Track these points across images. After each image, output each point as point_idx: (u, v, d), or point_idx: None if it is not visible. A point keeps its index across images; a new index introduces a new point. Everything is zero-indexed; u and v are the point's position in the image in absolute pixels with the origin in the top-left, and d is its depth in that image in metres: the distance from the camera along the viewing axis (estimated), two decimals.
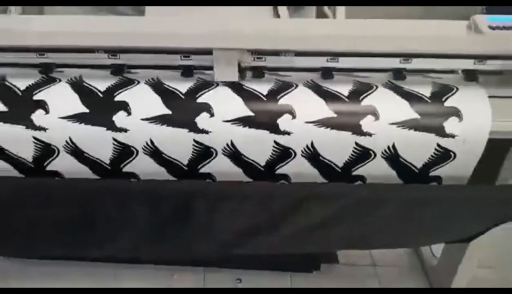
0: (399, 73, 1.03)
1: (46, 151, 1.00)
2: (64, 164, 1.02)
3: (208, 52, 0.97)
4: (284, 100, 0.99)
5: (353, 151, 0.99)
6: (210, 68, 1.01)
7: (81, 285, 1.50)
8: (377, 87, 1.01)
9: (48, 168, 1.03)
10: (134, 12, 1.78)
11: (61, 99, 0.99)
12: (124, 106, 0.98)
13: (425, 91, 1.00)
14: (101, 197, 1.02)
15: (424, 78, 1.05)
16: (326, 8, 1.90)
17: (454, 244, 1.38)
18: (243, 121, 0.97)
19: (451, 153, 1.00)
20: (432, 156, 1.00)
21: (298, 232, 1.10)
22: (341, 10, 1.93)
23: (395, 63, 1.02)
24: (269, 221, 1.08)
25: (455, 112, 0.97)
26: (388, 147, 0.99)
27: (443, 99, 0.99)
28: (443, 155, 1.00)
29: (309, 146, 0.99)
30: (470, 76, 1.03)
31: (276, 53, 1.01)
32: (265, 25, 1.05)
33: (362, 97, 0.99)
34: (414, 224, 1.11)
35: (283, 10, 1.83)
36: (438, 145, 0.98)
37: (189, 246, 1.17)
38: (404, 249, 1.70)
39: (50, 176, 1.04)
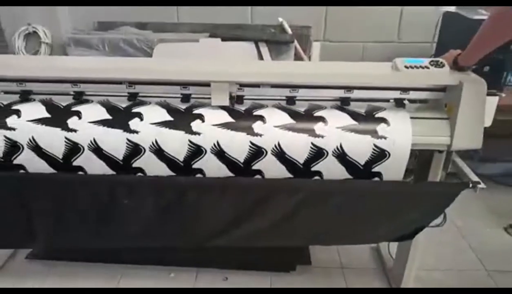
0: (344, 101, 1.37)
1: (74, 148, 1.30)
2: (85, 159, 1.32)
3: (207, 84, 1.31)
4: (257, 112, 1.31)
5: (310, 150, 1.30)
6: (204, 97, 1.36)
7: (91, 284, 1.75)
8: (326, 107, 1.35)
9: (74, 163, 1.33)
10: (143, 54, 2.17)
11: (92, 111, 1.31)
12: (138, 115, 1.30)
13: (361, 109, 1.34)
14: (116, 189, 1.31)
15: (362, 103, 1.39)
16: (302, 53, 2.29)
17: (404, 246, 1.66)
18: (226, 126, 1.28)
19: (386, 153, 1.30)
20: (372, 154, 1.30)
21: (269, 225, 1.39)
22: (315, 54, 2.33)
23: (341, 93, 1.36)
24: (245, 212, 1.36)
25: (384, 120, 1.30)
26: (337, 147, 1.30)
27: (374, 113, 1.32)
28: (380, 154, 1.30)
29: (277, 145, 1.29)
30: (398, 103, 1.38)
31: (256, 85, 1.35)
32: (248, 66, 1.40)
33: (314, 112, 1.32)
34: (361, 216, 1.40)
35: (265, 54, 2.23)
36: (375, 145, 1.29)
37: (184, 232, 1.44)
38: (368, 253, 1.97)
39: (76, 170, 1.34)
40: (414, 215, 1.44)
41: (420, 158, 1.50)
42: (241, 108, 1.35)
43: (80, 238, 1.50)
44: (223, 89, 1.31)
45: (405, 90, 1.35)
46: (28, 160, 1.33)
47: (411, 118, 1.32)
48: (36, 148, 1.31)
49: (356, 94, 1.36)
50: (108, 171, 1.34)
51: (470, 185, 1.31)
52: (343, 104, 1.38)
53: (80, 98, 1.38)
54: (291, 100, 1.38)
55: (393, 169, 1.33)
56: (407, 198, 1.39)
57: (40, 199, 1.37)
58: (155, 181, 1.33)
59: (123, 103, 1.36)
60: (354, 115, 1.32)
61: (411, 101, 1.41)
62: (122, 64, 1.51)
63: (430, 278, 1.83)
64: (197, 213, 1.39)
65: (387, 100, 1.41)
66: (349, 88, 1.35)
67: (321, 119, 1.30)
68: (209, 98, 1.33)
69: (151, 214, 1.38)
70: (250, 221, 1.40)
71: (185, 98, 1.39)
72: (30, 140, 1.29)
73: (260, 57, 2.21)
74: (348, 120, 1.30)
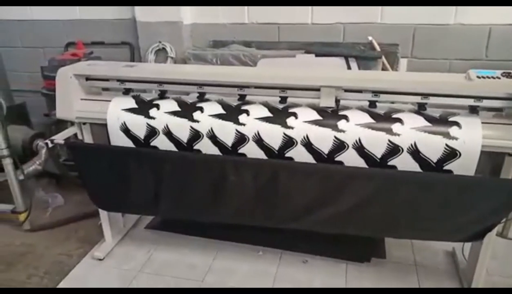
0: (421, 106, 1.57)
1: (196, 135, 1.68)
2: (203, 144, 1.69)
3: (317, 89, 1.62)
4: (343, 113, 1.58)
5: (387, 146, 1.52)
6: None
7: (192, 255, 2.13)
8: (404, 110, 1.56)
9: (195, 147, 1.71)
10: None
11: (211, 107, 1.70)
12: (246, 111, 1.65)
13: (436, 114, 1.53)
14: (226, 167, 1.66)
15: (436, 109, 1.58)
16: (389, 68, 2.48)
17: (475, 248, 1.76)
18: (315, 123, 1.57)
19: (457, 152, 1.47)
20: (443, 153, 1.48)
21: (345, 210, 1.62)
22: (402, 69, 2.51)
23: (418, 99, 1.56)
24: (327, 195, 1.62)
25: (456, 124, 1.47)
26: (411, 145, 1.50)
27: (447, 117, 1.50)
28: (451, 153, 1.47)
29: (358, 141, 1.54)
30: (472, 110, 1.54)
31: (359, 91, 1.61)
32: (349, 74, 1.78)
33: (392, 114, 1.54)
34: (432, 209, 1.57)
35: (354, 68, 2.46)
36: (446, 144, 1.47)
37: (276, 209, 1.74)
38: (442, 254, 2.08)
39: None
40: (483, 210, 1.55)
41: (492, 162, 1.61)
42: (328, 109, 1.63)
43: (193, 210, 1.88)
44: (331, 93, 1.60)
45: (476, 98, 1.50)
46: (161, 142, 1.74)
47: (484, 123, 1.47)
48: (168, 134, 1.72)
49: (432, 100, 1.55)
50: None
51: None
52: (419, 109, 1.57)
53: (202, 98, 1.78)
54: (372, 104, 1.61)
55: (463, 168, 1.49)
56: (476, 191, 1.51)
57: (168, 173, 1.76)
58: (256, 161, 1.65)
59: (234, 102, 1.72)
60: (429, 118, 1.51)
61: (485, 109, 1.54)
62: (236, 71, 1.90)
63: (504, 283, 1.87)
64: (286, 192, 1.67)
65: (462, 108, 1.57)
66: (425, 95, 1.54)
67: (398, 120, 1.52)
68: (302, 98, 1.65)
69: (250, 191, 1.69)
70: (329, 204, 1.64)
71: (283, 100, 1.70)
72: (165, 127, 1.71)
73: (348, 66, 2.45)
74: (422, 122, 1.50)
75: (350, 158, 1.57)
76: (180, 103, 1.74)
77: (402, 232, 1.78)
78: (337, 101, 1.63)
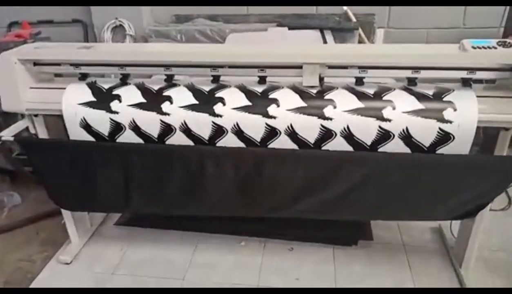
0: (411, 81, 1.46)
1: (167, 129, 1.51)
2: (177, 139, 1.52)
3: (299, 66, 1.46)
4: (328, 96, 1.44)
5: (378, 132, 1.41)
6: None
7: (171, 250, 1.99)
8: (394, 89, 1.44)
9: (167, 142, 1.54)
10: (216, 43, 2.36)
11: (180, 95, 1.51)
12: (221, 100, 1.48)
13: (429, 91, 1.42)
14: (204, 159, 1.51)
15: (430, 84, 1.47)
16: (366, 39, 2.37)
17: (467, 225, 1.73)
18: (299, 110, 1.43)
19: (451, 136, 1.38)
20: (436, 137, 1.39)
21: (336, 197, 1.53)
22: (379, 40, 2.39)
23: (408, 73, 1.44)
24: (316, 183, 1.51)
25: (451, 104, 1.37)
26: (403, 130, 1.40)
27: (442, 96, 1.40)
28: (445, 137, 1.38)
29: (346, 128, 1.42)
30: (465, 83, 1.44)
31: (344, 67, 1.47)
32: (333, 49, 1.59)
33: (382, 95, 1.42)
34: (425, 190, 1.50)
35: (330, 41, 2.33)
36: (440, 128, 1.37)
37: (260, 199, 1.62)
38: (429, 232, 2.05)
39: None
40: (478, 189, 1.50)
41: (486, 136, 1.55)
42: (312, 90, 1.48)
43: (167, 203, 1.72)
44: (315, 71, 1.45)
45: (472, 70, 1.40)
46: (129, 138, 1.55)
47: (478, 96, 1.38)
48: (136, 129, 1.53)
49: (423, 74, 1.43)
50: None
51: None
52: (409, 85, 1.46)
53: (170, 81, 1.58)
54: (360, 81, 1.49)
55: (456, 150, 1.41)
56: (471, 170, 1.45)
57: (139, 168, 1.59)
58: (236, 151, 1.50)
59: (206, 86, 1.54)
60: (422, 98, 1.40)
61: (478, 81, 1.45)
62: (207, 49, 1.70)
63: (493, 257, 1.87)
64: (272, 182, 1.55)
65: (453, 81, 1.47)
66: (416, 69, 1.43)
67: (389, 102, 1.40)
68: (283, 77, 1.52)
69: (232, 182, 1.56)
70: (320, 191, 1.54)
71: (262, 80, 1.54)
72: (131, 122, 1.52)
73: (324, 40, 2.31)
74: (415, 104, 1.39)
75: (338, 147, 1.45)
76: (145, 91, 1.54)
77: (393, 214, 1.73)
78: (321, 79, 1.49)
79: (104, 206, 1.88)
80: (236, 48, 1.87)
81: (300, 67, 1.47)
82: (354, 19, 2.35)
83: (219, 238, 2.06)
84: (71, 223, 1.97)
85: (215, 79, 1.56)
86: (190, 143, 1.53)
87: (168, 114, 1.50)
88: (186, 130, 1.51)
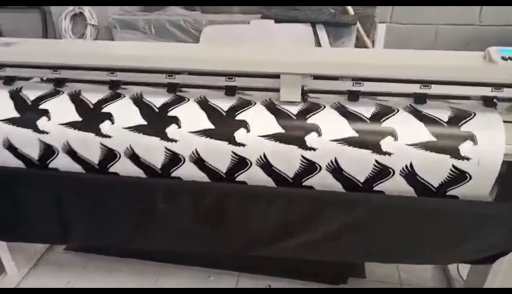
0: (419, 98, 1.13)
1: (110, 155, 1.19)
2: (122, 167, 1.21)
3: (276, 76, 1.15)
4: (312, 120, 1.12)
5: (373, 168, 1.10)
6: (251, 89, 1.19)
7: (128, 281, 1.71)
8: (397, 110, 1.12)
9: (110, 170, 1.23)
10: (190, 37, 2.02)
11: (124, 112, 1.19)
12: (176, 120, 1.15)
13: (443, 115, 1.10)
14: (155, 193, 1.21)
15: (443, 103, 1.14)
16: (365, 36, 2.03)
17: (479, 267, 1.43)
18: (275, 137, 1.11)
19: (467, 175, 1.07)
20: (448, 176, 1.08)
21: (320, 239, 1.22)
22: (380, 38, 2.06)
23: (416, 88, 1.12)
24: (294, 225, 1.20)
25: (471, 137, 1.05)
26: (406, 166, 1.09)
27: (459, 124, 1.08)
28: (459, 176, 1.08)
29: (333, 161, 1.11)
30: (488, 102, 1.12)
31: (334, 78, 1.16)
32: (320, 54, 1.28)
33: (382, 119, 1.10)
34: (428, 237, 1.19)
35: (323, 38, 1.99)
36: (453, 166, 1.06)
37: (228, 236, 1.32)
38: (431, 271, 1.75)
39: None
40: (495, 239, 1.20)
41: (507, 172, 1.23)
42: (292, 110, 1.16)
43: (114, 237, 1.42)
44: (296, 82, 1.14)
45: (500, 86, 1.08)
46: (64, 163, 1.24)
47: (505, 122, 1.07)
48: (71, 153, 1.22)
49: (434, 90, 1.12)
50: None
51: None
52: (417, 102, 1.14)
53: (115, 88, 1.26)
54: (354, 95, 1.17)
55: (474, 193, 1.11)
56: (486, 220, 1.15)
57: (75, 198, 1.30)
58: (195, 186, 1.21)
59: (159, 98, 1.21)
60: (432, 125, 1.08)
61: (502, 100, 1.13)
62: (163, 51, 1.34)
63: None
64: (241, 221, 1.25)
65: (468, 98, 1.16)
66: (426, 83, 1.11)
67: (390, 131, 1.09)
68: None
69: (190, 218, 1.26)
70: (300, 233, 1.24)
71: (230, 90, 1.22)
72: (65, 144, 1.20)
73: (317, 41, 1.98)
74: (423, 134, 1.07)
75: (324, 181, 1.15)
76: (79, 105, 1.22)
77: (389, 258, 1.43)
78: (304, 93, 1.17)
79: (41, 238, 1.57)
80: (198, 50, 1.52)
81: (278, 76, 1.15)
82: (352, 12, 2.00)
83: (184, 270, 1.76)
84: (4, 250, 1.67)
85: (172, 87, 1.24)
86: (139, 171, 1.22)
87: (109, 137, 1.18)
88: (133, 156, 1.19)
